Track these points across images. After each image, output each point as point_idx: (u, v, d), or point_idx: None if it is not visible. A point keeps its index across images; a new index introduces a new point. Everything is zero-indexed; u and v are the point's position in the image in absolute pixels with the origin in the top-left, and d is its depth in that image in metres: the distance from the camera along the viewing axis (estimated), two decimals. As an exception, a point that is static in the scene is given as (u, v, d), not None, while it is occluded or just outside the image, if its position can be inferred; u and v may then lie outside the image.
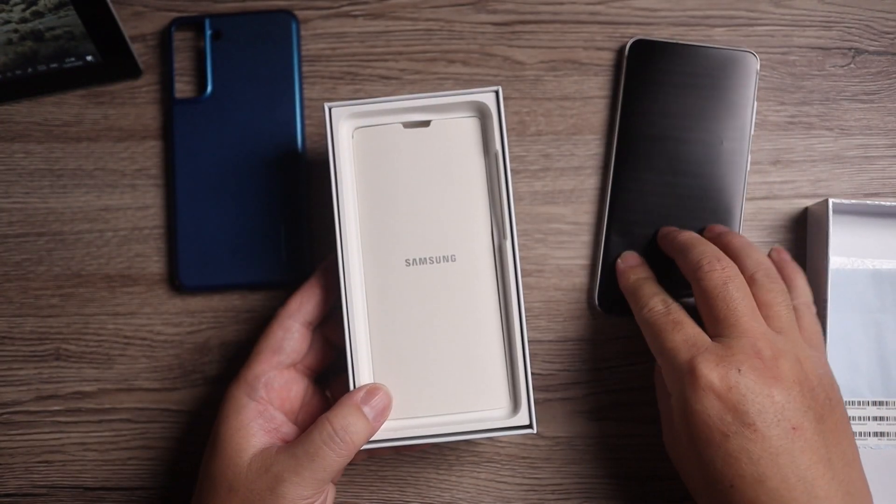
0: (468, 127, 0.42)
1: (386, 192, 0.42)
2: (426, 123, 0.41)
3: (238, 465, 0.39)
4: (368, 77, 0.51)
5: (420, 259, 0.41)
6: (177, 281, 0.49)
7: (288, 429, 0.41)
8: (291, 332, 0.43)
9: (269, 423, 0.41)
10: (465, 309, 0.41)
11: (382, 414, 0.40)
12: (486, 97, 0.43)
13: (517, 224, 0.48)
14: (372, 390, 0.40)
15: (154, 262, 0.50)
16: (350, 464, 0.48)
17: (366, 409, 0.39)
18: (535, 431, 0.40)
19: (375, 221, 0.42)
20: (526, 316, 0.47)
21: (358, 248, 0.41)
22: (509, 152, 0.48)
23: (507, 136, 0.48)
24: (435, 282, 0.41)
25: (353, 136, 0.40)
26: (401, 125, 0.41)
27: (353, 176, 0.43)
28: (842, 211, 0.48)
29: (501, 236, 0.42)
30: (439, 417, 0.41)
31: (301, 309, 0.43)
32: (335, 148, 0.42)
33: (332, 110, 0.42)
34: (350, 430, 0.39)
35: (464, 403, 0.40)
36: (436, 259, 0.41)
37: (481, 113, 0.43)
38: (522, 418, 0.40)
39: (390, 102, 0.42)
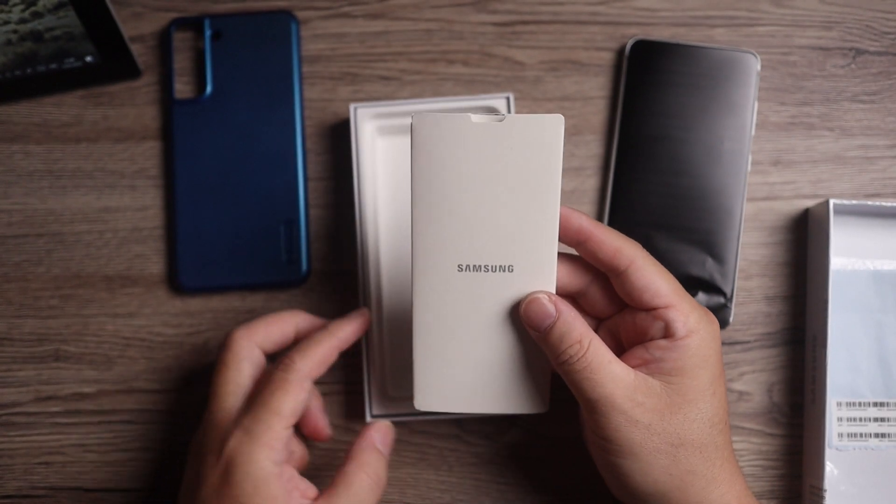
0: (547, 126, 0.36)
1: (446, 190, 0.37)
2: (499, 117, 0.36)
3: None
4: (368, 77, 0.51)
5: (474, 266, 0.38)
6: (176, 282, 0.49)
7: (300, 481, 0.40)
8: (308, 392, 0.41)
9: (290, 484, 0.39)
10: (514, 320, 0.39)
11: (390, 445, 0.43)
12: (497, 102, 0.47)
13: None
14: (380, 429, 0.43)
15: (154, 263, 0.50)
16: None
17: (381, 448, 0.42)
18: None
19: (430, 221, 0.37)
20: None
21: (408, 251, 0.41)
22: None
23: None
24: (487, 291, 0.38)
25: (411, 126, 0.36)
26: (470, 116, 0.36)
27: (377, 175, 0.46)
28: (842, 211, 0.48)
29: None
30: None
31: (321, 369, 0.41)
32: (358, 146, 0.45)
33: (357, 111, 0.47)
34: (381, 473, 0.41)
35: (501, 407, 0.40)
36: (492, 268, 0.38)
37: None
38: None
39: (409, 104, 0.48)
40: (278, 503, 0.38)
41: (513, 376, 0.39)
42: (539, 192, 0.37)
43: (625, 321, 0.39)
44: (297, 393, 0.40)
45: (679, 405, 0.36)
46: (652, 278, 0.37)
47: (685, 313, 0.37)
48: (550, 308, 0.37)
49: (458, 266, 0.38)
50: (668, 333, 0.37)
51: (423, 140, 0.36)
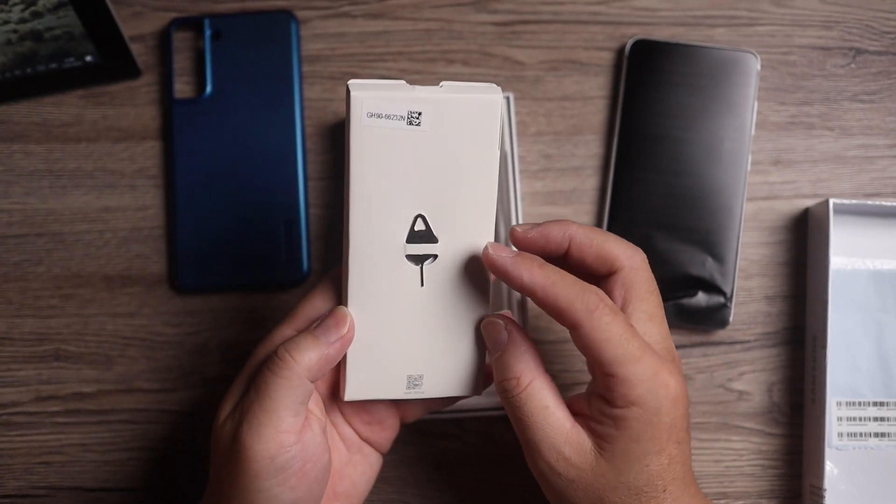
0: (482, 115, 0.35)
1: (384, 174, 0.36)
2: (439, 88, 0.35)
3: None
4: (368, 77, 0.51)
5: (410, 255, 0.37)
6: (176, 281, 0.49)
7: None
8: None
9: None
10: (459, 303, 0.38)
11: (334, 330, 0.36)
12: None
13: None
14: (331, 314, 0.37)
15: (154, 263, 0.50)
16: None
17: (315, 328, 0.36)
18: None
19: (369, 205, 0.36)
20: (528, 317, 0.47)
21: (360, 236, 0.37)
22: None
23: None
24: (422, 277, 0.38)
25: (346, 94, 0.35)
26: (410, 87, 0.34)
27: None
28: (842, 211, 0.48)
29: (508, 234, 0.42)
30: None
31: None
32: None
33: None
34: (292, 347, 0.35)
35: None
36: (428, 256, 0.38)
37: None
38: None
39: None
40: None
41: (445, 360, 0.38)
42: (476, 175, 0.36)
43: None
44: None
45: (603, 473, 0.35)
46: (595, 346, 0.34)
47: (627, 386, 0.34)
48: (503, 336, 0.36)
49: (394, 251, 0.36)
50: (606, 398, 0.35)
51: (359, 113, 0.34)
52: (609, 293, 0.37)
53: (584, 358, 0.36)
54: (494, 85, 0.35)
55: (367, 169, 0.35)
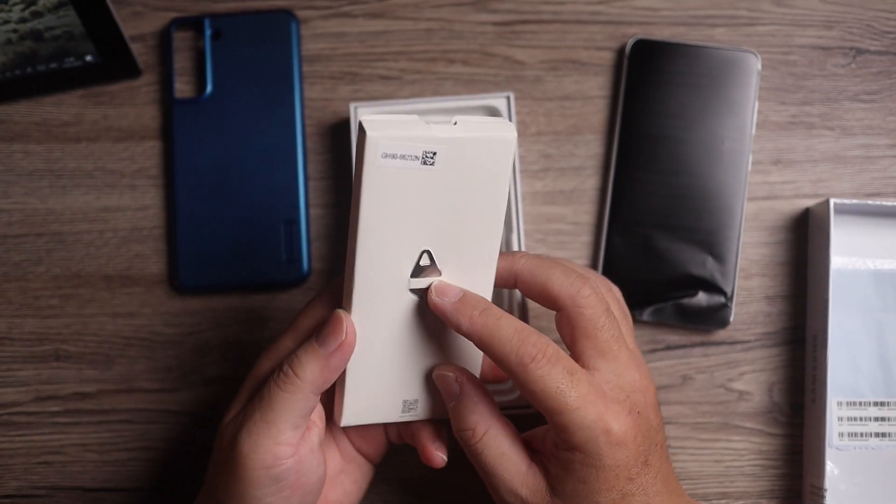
0: (497, 155, 0.34)
1: (399, 224, 0.35)
2: (452, 128, 0.34)
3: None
4: (368, 77, 0.51)
5: (415, 290, 0.37)
6: (176, 281, 0.49)
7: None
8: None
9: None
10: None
11: (332, 338, 0.35)
12: (498, 102, 0.48)
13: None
14: (328, 320, 0.36)
15: (154, 263, 0.50)
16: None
17: (315, 339, 0.36)
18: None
19: (376, 240, 0.35)
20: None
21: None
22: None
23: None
24: (424, 308, 0.37)
25: (359, 129, 0.33)
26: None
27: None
28: (843, 211, 0.48)
29: (508, 232, 0.44)
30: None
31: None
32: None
33: (358, 110, 0.47)
34: (294, 363, 0.36)
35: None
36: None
37: (493, 116, 0.47)
38: (522, 398, 0.43)
39: (409, 104, 0.47)
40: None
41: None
42: (485, 212, 0.35)
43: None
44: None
45: None
46: (533, 396, 0.34)
47: (569, 432, 0.34)
48: (455, 388, 0.37)
49: (399, 285, 0.36)
50: (555, 439, 0.35)
51: (373, 154, 0.32)
52: (560, 330, 0.37)
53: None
54: (507, 121, 0.35)
55: (377, 205, 0.34)
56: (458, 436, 0.37)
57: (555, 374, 0.34)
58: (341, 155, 0.50)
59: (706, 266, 0.48)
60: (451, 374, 0.37)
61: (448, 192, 0.34)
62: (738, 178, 0.49)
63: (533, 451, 0.37)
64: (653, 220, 0.49)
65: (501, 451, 0.36)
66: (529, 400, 0.35)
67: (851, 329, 0.48)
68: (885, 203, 0.47)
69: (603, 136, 0.50)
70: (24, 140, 0.51)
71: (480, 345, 0.35)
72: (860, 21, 0.51)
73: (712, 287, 0.48)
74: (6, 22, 0.46)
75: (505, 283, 0.38)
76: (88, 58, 0.49)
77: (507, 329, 0.35)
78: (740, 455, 0.48)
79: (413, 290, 0.36)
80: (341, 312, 0.36)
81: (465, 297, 0.36)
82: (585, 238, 0.50)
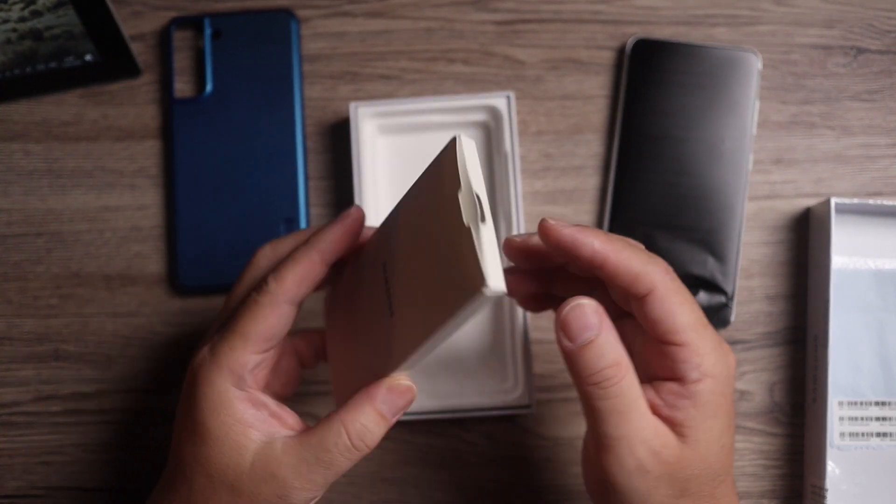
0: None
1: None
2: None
3: (240, 466, 0.36)
4: (368, 76, 0.51)
5: None
6: (176, 281, 0.49)
7: (280, 410, 0.37)
8: (286, 317, 0.36)
9: (262, 411, 0.36)
10: None
11: (402, 412, 0.36)
12: (498, 101, 0.48)
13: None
14: (393, 389, 0.35)
15: (153, 262, 0.50)
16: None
17: (383, 408, 0.35)
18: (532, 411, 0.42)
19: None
20: (528, 315, 0.47)
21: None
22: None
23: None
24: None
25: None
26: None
27: (377, 174, 0.46)
28: (844, 210, 0.48)
29: (509, 231, 0.45)
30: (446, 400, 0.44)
31: (301, 290, 0.36)
32: (358, 145, 0.46)
33: (358, 110, 0.47)
34: (366, 437, 0.35)
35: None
36: None
37: (493, 115, 0.48)
38: (522, 398, 0.45)
39: (409, 103, 0.48)
40: (239, 427, 0.35)
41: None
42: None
43: (633, 341, 0.36)
44: (268, 316, 0.36)
45: (689, 460, 0.33)
46: (671, 310, 0.33)
47: (700, 355, 0.33)
48: (594, 319, 0.33)
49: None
50: (678, 375, 0.33)
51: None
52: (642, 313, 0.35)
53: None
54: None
55: None
56: (597, 379, 0.33)
57: (686, 291, 0.34)
58: (341, 154, 0.50)
59: (707, 266, 0.48)
60: (589, 302, 0.33)
61: None
62: (739, 178, 0.48)
63: None
64: (653, 220, 0.49)
65: (640, 395, 0.33)
66: (661, 318, 0.33)
67: (852, 329, 0.48)
68: (885, 203, 0.47)
69: (603, 135, 0.50)
70: (24, 139, 0.50)
71: (615, 261, 0.33)
72: (861, 20, 0.51)
73: (713, 287, 0.48)
74: (6, 21, 0.46)
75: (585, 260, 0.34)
76: (88, 57, 0.49)
77: (635, 246, 0.35)
78: (741, 455, 0.48)
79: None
80: (406, 383, 0.35)
81: (582, 225, 0.34)
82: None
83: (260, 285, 0.36)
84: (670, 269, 0.34)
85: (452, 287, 0.30)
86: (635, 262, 0.33)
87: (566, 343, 0.33)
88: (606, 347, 0.33)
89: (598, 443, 0.34)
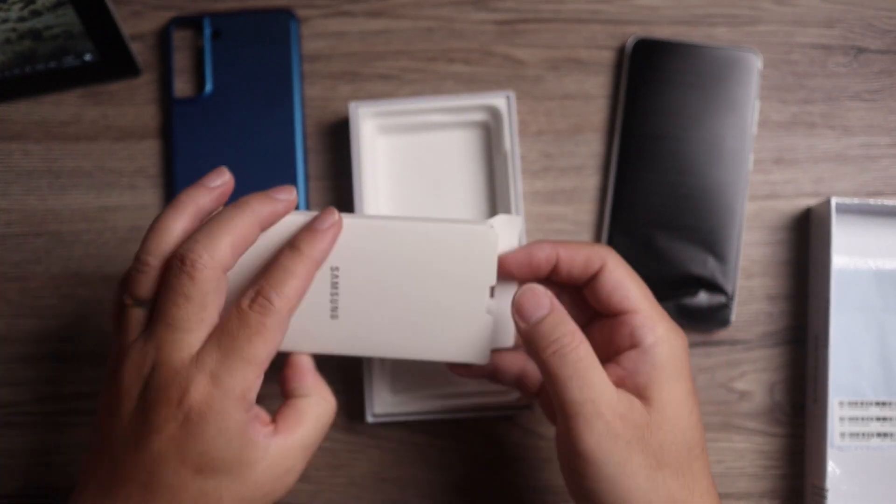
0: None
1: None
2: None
3: (266, 485, 0.35)
4: (368, 76, 0.51)
5: None
6: (176, 281, 0.49)
7: (258, 410, 0.37)
8: (285, 331, 0.36)
9: (259, 423, 0.36)
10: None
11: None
12: (498, 101, 0.48)
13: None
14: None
15: (153, 263, 0.49)
16: (351, 464, 0.48)
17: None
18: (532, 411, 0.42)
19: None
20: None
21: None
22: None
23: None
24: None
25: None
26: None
27: (377, 174, 0.48)
28: (844, 210, 0.48)
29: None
30: (444, 401, 0.47)
31: (299, 303, 0.37)
32: (358, 145, 0.47)
33: (358, 110, 0.48)
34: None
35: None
36: None
37: (493, 115, 0.48)
38: (522, 398, 0.46)
39: (409, 103, 0.48)
40: (253, 448, 0.34)
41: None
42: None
43: (593, 335, 0.38)
44: (276, 337, 0.35)
45: (659, 424, 0.35)
46: (622, 281, 0.37)
47: (653, 320, 0.37)
48: (545, 300, 0.36)
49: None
50: (634, 342, 0.36)
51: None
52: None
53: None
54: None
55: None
56: (553, 347, 0.35)
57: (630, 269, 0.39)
58: (341, 154, 0.50)
59: (707, 265, 0.48)
60: (539, 286, 0.37)
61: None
62: (739, 178, 0.48)
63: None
64: (654, 220, 0.48)
65: (596, 364, 0.35)
66: (615, 288, 0.37)
67: (853, 329, 0.48)
68: (886, 202, 0.47)
69: (604, 135, 0.50)
70: (23, 139, 0.50)
71: (567, 257, 0.38)
72: (861, 20, 0.51)
73: (713, 286, 0.48)
74: (5, 21, 0.46)
75: (546, 265, 0.39)
76: (87, 57, 0.49)
77: (580, 242, 0.40)
78: (741, 455, 0.48)
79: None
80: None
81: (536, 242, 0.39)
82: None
83: (262, 305, 0.35)
84: (616, 254, 0.38)
85: (462, 345, 0.39)
86: (583, 247, 0.38)
87: (522, 324, 0.36)
88: (559, 319, 0.36)
89: (565, 413, 0.35)
